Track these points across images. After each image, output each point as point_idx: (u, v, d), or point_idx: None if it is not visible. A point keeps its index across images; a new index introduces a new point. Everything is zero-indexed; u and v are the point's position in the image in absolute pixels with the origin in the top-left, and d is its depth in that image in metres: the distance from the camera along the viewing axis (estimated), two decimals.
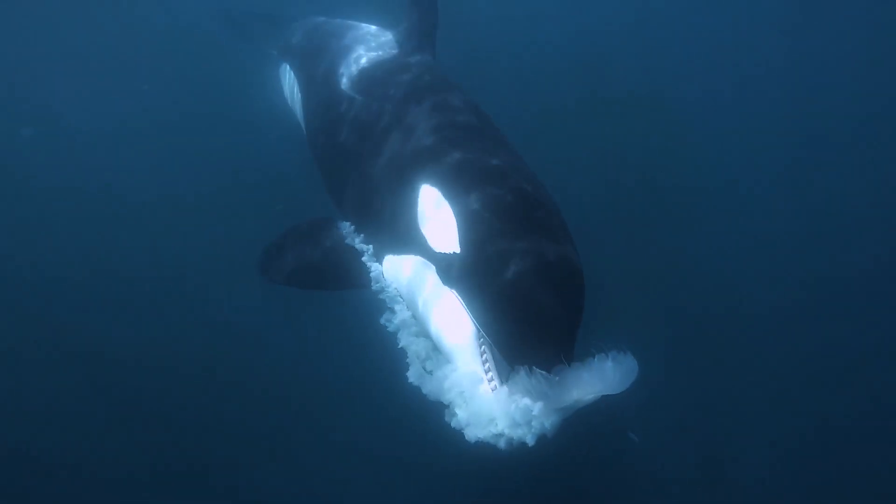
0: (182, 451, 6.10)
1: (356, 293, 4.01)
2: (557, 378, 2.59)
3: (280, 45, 6.36)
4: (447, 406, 2.99)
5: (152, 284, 6.90)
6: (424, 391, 3.11)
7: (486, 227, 3.05)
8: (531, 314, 2.78)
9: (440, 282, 3.16)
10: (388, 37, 5.26)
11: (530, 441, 2.72)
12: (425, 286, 3.27)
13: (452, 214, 3.21)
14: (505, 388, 2.80)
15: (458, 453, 3.20)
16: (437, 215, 3.31)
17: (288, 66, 6.01)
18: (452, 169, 3.45)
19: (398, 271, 3.54)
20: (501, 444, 2.77)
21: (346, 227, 4.10)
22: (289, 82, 5.96)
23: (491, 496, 6.19)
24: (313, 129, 5.01)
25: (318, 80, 5.14)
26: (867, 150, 9.31)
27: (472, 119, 3.98)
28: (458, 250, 3.08)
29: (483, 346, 2.95)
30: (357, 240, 3.97)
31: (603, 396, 2.62)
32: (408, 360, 3.30)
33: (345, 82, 4.78)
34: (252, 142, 7.62)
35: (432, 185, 3.42)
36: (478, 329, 2.91)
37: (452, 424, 2.93)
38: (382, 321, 3.56)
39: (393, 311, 3.57)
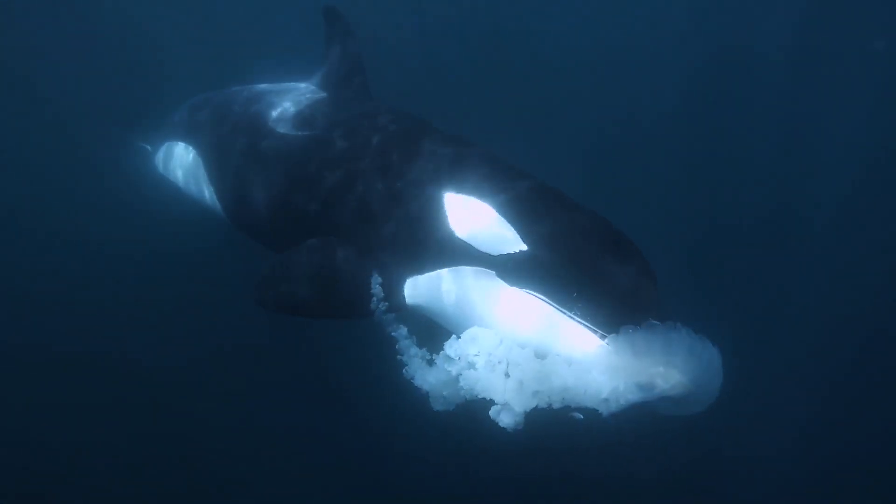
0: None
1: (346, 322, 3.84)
2: (669, 329, 2.73)
3: (165, 124, 5.93)
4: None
5: None
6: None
7: (549, 220, 3.19)
8: (628, 279, 2.97)
9: (503, 283, 3.15)
10: (307, 87, 5.09)
11: (605, 413, 2.79)
12: (481, 291, 3.23)
13: (498, 215, 3.27)
14: (614, 348, 2.82)
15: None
16: (477, 220, 3.33)
17: (182, 144, 5.49)
18: (475, 173, 3.53)
19: (434, 288, 3.47)
20: (603, 410, 2.79)
21: (340, 259, 3.85)
22: (180, 158, 5.49)
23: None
24: (251, 187, 4.58)
25: (245, 140, 4.74)
26: None
27: (452, 136, 4.01)
28: (523, 248, 3.14)
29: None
30: (359, 270, 3.73)
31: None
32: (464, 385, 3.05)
33: (287, 128, 4.55)
34: None
35: (458, 192, 3.47)
36: (565, 313, 2.97)
37: (497, 419, 2.92)
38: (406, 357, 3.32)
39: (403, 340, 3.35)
